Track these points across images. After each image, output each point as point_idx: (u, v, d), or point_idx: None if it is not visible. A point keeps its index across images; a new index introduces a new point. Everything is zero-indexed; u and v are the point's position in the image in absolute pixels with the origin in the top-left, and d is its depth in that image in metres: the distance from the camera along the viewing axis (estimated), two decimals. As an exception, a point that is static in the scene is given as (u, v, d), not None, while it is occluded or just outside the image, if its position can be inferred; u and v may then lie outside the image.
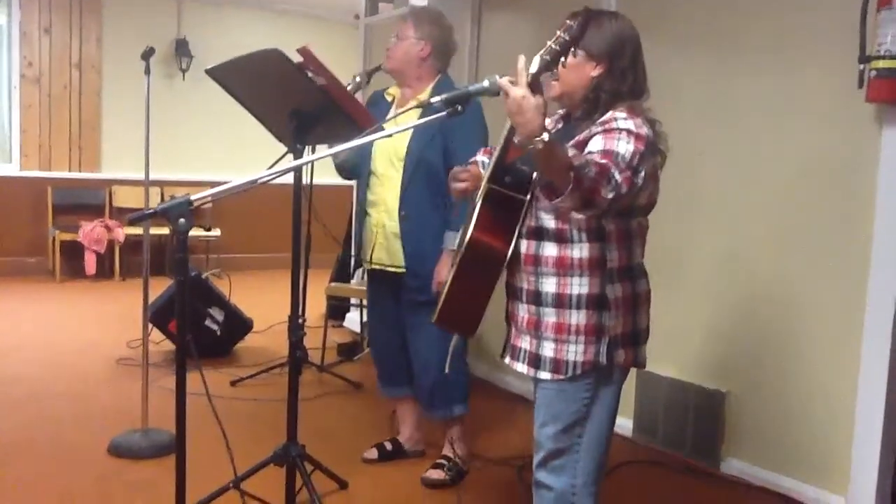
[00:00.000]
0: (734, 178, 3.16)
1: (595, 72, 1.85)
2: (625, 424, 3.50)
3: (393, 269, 2.94)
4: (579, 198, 1.62)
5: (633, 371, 1.99)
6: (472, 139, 2.67)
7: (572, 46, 1.59)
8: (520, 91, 1.57)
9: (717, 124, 3.21)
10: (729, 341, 3.21)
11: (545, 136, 1.57)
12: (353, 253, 3.32)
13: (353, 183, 5.06)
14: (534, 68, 1.59)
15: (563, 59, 1.59)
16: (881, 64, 2.54)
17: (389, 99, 3.02)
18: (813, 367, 2.90)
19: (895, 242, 2.63)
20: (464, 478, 3.02)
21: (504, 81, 1.60)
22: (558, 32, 1.58)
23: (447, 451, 3.05)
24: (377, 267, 2.99)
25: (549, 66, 1.59)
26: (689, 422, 3.31)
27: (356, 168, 3.06)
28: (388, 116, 2.86)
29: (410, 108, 2.66)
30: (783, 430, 2.99)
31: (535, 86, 1.58)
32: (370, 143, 2.92)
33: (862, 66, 2.61)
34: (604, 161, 1.66)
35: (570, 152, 1.63)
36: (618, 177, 1.65)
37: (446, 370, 2.28)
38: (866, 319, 2.71)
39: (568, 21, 1.59)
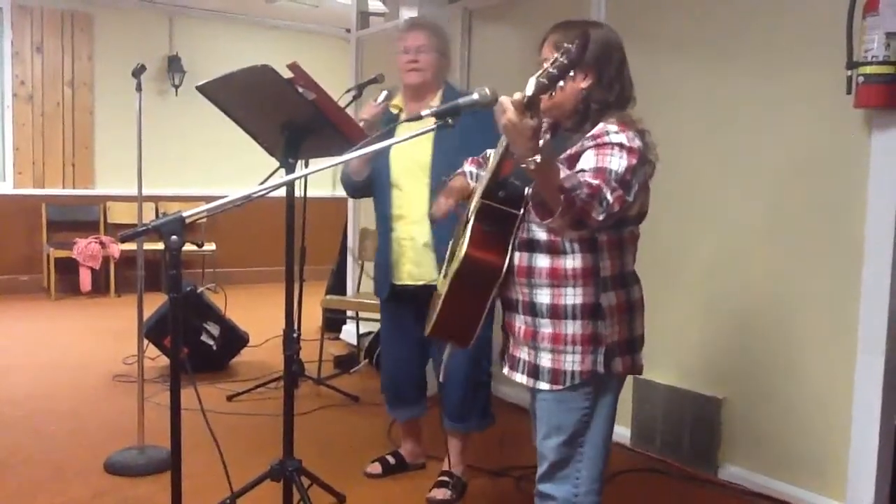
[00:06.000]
0: (727, 183, 3.17)
1: (584, 83, 1.85)
2: (622, 432, 3.50)
3: (423, 284, 2.84)
4: (570, 219, 1.63)
5: (629, 379, 1.99)
6: (492, 143, 2.64)
7: (571, 70, 1.52)
8: (515, 115, 1.54)
9: (709, 128, 3.22)
10: (725, 348, 3.21)
11: (537, 158, 1.55)
12: (374, 276, 3.14)
13: (344, 194, 4.92)
14: (529, 90, 1.54)
15: (561, 82, 1.52)
16: (868, 70, 2.55)
17: (395, 112, 2.97)
18: (809, 371, 2.90)
19: (887, 246, 2.64)
20: (465, 491, 3.01)
21: (504, 100, 1.56)
22: (556, 55, 1.52)
23: (448, 465, 3.02)
24: (407, 284, 2.92)
25: (546, 88, 1.52)
26: (686, 429, 3.31)
27: (370, 185, 3.00)
28: (415, 132, 2.79)
29: (410, 120, 2.56)
30: (780, 436, 2.99)
31: (530, 107, 1.54)
32: (381, 160, 2.89)
33: (850, 72, 2.62)
34: (596, 182, 1.65)
35: (563, 173, 1.62)
36: (609, 197, 1.65)
37: (440, 379, 2.27)
38: (860, 323, 2.71)
39: (566, 44, 1.52)
